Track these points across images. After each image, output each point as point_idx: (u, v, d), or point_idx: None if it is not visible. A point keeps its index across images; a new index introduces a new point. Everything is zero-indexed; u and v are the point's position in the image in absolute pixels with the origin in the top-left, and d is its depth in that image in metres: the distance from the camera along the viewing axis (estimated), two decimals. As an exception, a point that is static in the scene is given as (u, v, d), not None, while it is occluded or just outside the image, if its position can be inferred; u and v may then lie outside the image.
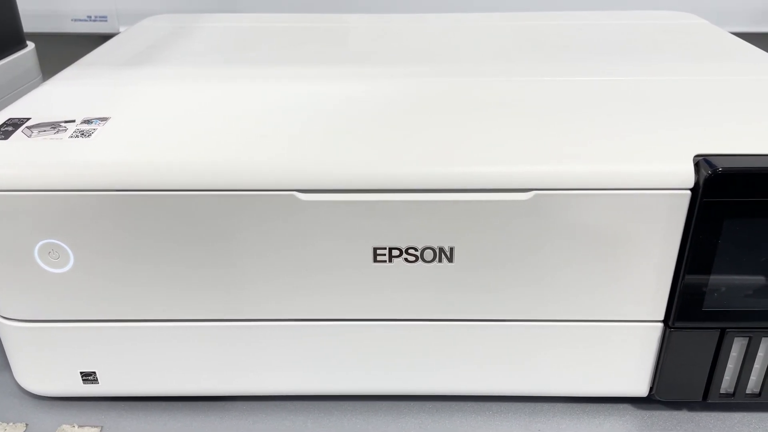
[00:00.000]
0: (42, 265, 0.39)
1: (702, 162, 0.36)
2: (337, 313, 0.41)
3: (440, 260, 0.39)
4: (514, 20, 0.65)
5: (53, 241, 0.38)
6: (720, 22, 0.68)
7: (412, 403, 0.45)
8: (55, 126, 0.41)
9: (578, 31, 0.61)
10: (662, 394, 0.43)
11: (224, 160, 0.37)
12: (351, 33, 0.63)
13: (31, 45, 0.67)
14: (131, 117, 0.42)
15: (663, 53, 0.55)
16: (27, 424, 0.43)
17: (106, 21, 0.85)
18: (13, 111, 0.43)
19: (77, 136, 0.39)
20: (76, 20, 0.85)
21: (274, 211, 0.37)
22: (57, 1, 0.85)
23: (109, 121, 0.41)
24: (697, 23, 0.64)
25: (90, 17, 0.85)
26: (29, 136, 0.39)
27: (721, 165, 0.36)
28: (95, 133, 0.40)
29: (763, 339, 0.41)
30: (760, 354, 0.41)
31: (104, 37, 0.66)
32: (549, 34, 0.60)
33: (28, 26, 0.84)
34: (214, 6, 0.87)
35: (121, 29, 0.84)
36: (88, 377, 0.43)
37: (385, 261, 0.39)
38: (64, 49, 0.78)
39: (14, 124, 0.41)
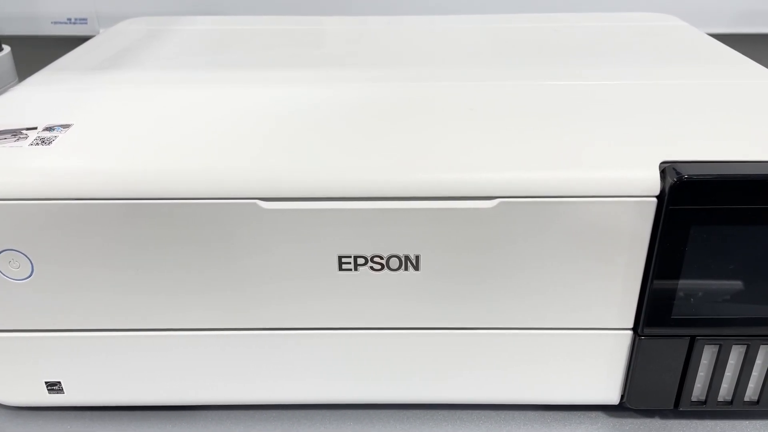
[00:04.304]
0: (2, 274, 0.38)
1: (668, 169, 0.36)
2: (303, 323, 0.40)
3: (406, 268, 0.38)
4: (491, 23, 0.65)
5: (12, 250, 0.38)
6: (701, 23, 0.68)
7: (381, 412, 0.44)
8: (16, 133, 0.40)
9: (554, 34, 0.61)
10: (633, 402, 0.42)
11: (185, 168, 0.37)
12: (327, 36, 0.62)
13: (6, 48, 0.66)
14: (94, 124, 0.42)
15: (637, 56, 0.55)
16: (-9, 435, 0.43)
17: (86, 23, 0.84)
18: (-24, 118, 0.43)
19: (37, 144, 0.39)
20: (56, 23, 0.85)
21: (236, 220, 0.37)
22: (36, 4, 0.85)
23: (71, 128, 0.41)
24: (674, 25, 0.64)
25: (70, 20, 0.85)
26: (-11, 144, 0.39)
27: (686, 172, 0.35)
28: (56, 140, 0.39)
29: (734, 347, 0.40)
30: (731, 362, 0.41)
31: (84, 40, 0.66)
32: (524, 38, 0.60)
33: (7, 29, 0.84)
34: (197, 8, 0.86)
35: (101, 32, 0.83)
36: (54, 387, 0.43)
37: (350, 269, 0.38)
38: (43, 52, 0.77)
39: (-25, 131, 0.40)
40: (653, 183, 0.36)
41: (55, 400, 0.43)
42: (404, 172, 0.37)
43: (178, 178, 0.36)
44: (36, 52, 0.77)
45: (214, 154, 0.38)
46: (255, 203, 0.36)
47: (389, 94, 0.46)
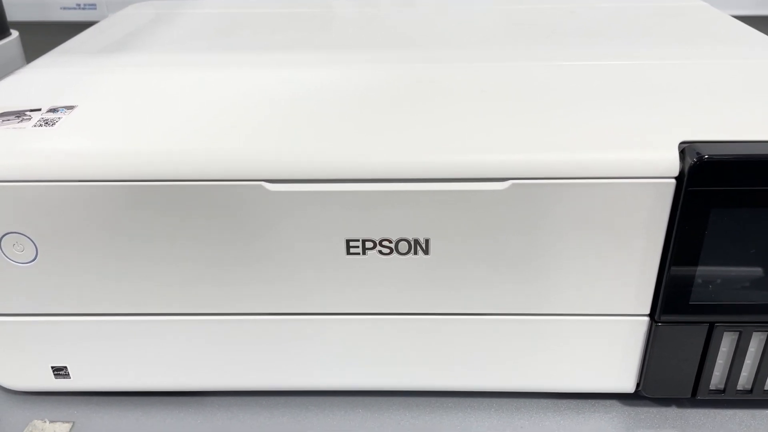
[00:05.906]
0: (7, 257, 0.38)
1: (687, 149, 0.35)
2: (310, 308, 0.40)
3: (416, 252, 0.38)
4: (504, 4, 0.63)
5: (16, 233, 0.37)
6: (723, 4, 0.66)
7: (391, 399, 0.44)
8: (20, 115, 0.40)
9: (571, 14, 0.59)
10: (649, 391, 0.41)
11: (189, 150, 0.36)
12: (335, 19, 0.61)
13: (15, 33, 0.66)
14: (98, 105, 0.41)
15: (657, 36, 0.53)
16: (-2, 419, 0.43)
17: (95, 9, 0.84)
18: (-19, 100, 0.42)
19: (41, 125, 0.38)
20: (65, 8, 0.85)
21: (241, 202, 0.36)
22: (46, -10, 0.85)
23: (75, 110, 0.40)
24: (696, 5, 0.62)
25: (79, 5, 0.84)
26: (-8, 126, 0.38)
27: (707, 152, 0.34)
28: (59, 122, 0.39)
29: (754, 333, 0.39)
30: (751, 349, 0.40)
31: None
32: (539, 18, 0.59)
33: (17, 15, 0.83)
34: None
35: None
36: (60, 372, 0.42)
37: (358, 253, 0.38)
38: (52, 38, 0.77)
39: (-21, 113, 0.40)
40: (672, 164, 0.35)
41: (62, 385, 0.43)
42: (414, 153, 0.36)
43: (182, 160, 0.36)
44: (45, 37, 0.77)
45: (219, 136, 0.37)
46: (261, 185, 0.36)
47: (399, 76, 0.45)
